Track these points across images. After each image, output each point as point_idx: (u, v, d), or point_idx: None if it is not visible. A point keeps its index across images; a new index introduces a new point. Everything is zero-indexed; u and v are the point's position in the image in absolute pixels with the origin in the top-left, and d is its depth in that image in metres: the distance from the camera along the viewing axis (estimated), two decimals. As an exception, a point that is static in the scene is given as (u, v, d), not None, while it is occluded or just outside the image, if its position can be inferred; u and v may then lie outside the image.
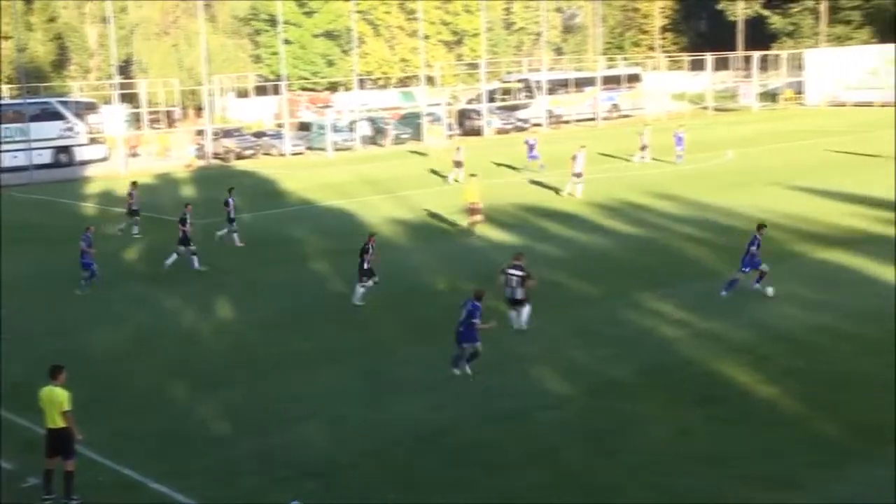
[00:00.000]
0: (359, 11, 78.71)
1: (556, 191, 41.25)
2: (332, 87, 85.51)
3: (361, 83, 76.44)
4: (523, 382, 18.93)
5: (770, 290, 24.11)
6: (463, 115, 73.09)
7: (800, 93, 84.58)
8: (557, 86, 77.32)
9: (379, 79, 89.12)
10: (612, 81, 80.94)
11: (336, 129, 64.56)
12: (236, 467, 15.74)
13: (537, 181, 44.65)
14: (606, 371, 19.61)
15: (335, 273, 29.02)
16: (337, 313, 24.76)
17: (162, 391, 19.46)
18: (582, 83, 79.16)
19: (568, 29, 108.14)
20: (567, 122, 75.77)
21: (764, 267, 24.09)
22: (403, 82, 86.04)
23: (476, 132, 69.58)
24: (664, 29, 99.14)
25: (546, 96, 75.23)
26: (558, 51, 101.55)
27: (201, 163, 60.23)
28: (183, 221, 29.79)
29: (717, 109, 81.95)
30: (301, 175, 52.35)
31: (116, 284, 28.45)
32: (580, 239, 32.54)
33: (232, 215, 33.42)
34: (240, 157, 61.30)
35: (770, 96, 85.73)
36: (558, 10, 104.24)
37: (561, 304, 24.41)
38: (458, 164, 45.50)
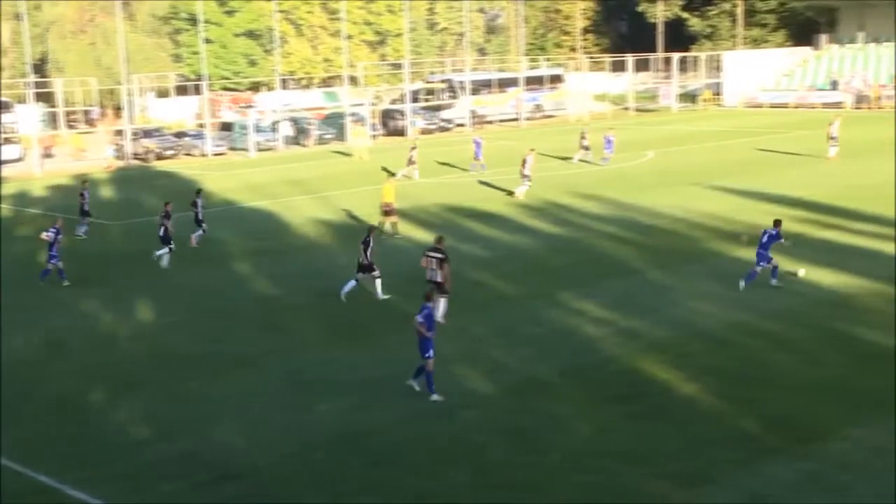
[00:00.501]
0: (281, 11, 78.12)
1: (504, 191, 41.12)
2: (255, 87, 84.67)
3: (284, 83, 75.93)
4: (446, 382, 18.90)
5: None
6: (387, 116, 73.02)
7: (718, 94, 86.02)
8: (481, 86, 77.66)
9: (302, 79, 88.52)
10: (534, 82, 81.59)
11: (258, 130, 64.03)
12: (155, 471, 15.50)
13: (484, 181, 44.69)
14: (528, 370, 19.71)
15: (257, 274, 28.79)
16: (258, 314, 24.55)
17: (77, 395, 19.08)
18: (505, 84, 79.65)
19: (490, 30, 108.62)
20: (490, 122, 76.13)
21: (774, 262, 24.72)
22: (326, 82, 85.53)
23: (400, 132, 69.56)
24: (586, 30, 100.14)
25: (469, 97, 75.52)
26: (481, 51, 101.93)
27: (120, 163, 59.26)
28: (165, 218, 29.80)
29: (638, 110, 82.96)
30: (223, 176, 51.80)
31: (30, 287, 27.79)
32: (504, 239, 32.67)
33: (200, 216, 33.02)
34: (160, 157, 60.42)
35: (689, 97, 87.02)
36: (481, 10, 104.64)
37: (484, 304, 24.52)
38: (411, 162, 46.13)
